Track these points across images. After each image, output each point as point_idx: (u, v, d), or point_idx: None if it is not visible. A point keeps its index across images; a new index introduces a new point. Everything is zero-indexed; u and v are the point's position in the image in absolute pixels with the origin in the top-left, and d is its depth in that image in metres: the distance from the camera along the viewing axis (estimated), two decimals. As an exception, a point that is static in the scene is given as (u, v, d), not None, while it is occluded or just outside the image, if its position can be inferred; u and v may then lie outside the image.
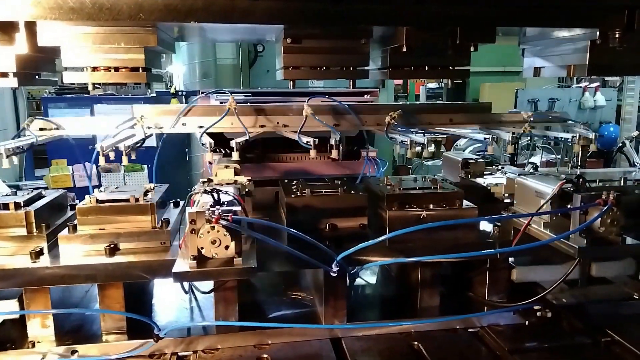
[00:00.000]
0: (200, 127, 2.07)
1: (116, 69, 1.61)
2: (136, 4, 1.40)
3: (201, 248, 1.26)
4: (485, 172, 2.21)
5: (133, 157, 1.83)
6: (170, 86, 6.86)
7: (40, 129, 2.04)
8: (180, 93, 5.75)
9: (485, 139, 2.03)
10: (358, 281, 2.08)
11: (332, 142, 1.88)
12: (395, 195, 1.80)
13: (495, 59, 8.28)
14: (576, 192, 1.50)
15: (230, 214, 1.27)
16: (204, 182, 1.98)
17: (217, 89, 2.38)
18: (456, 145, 6.67)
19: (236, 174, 1.99)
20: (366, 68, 1.78)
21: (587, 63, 1.78)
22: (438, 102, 11.72)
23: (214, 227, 1.25)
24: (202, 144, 1.93)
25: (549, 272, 1.82)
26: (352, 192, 1.82)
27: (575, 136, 2.05)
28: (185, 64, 6.66)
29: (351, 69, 1.74)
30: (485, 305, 1.84)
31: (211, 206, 1.36)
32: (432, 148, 1.83)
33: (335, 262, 1.50)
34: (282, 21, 1.53)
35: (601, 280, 1.91)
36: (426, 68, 1.75)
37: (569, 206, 1.56)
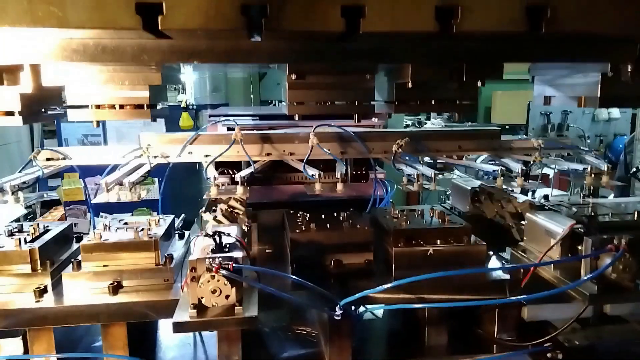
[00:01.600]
0: (207, 155, 2.08)
1: (121, 106, 1.61)
2: (139, 46, 1.39)
3: (201, 297, 1.24)
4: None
5: (138, 191, 1.83)
6: (182, 92, 6.84)
7: (48, 159, 2.07)
8: (190, 107, 5.77)
9: (494, 171, 1.97)
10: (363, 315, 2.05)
11: (338, 175, 1.86)
12: (402, 231, 1.77)
13: (507, 66, 8.17)
14: (587, 236, 1.46)
15: (231, 262, 1.25)
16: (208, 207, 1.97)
17: (225, 116, 2.37)
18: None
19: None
20: (372, 103, 1.75)
21: (599, 96, 1.74)
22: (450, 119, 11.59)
23: (214, 276, 1.23)
24: (207, 178, 1.92)
25: (560, 310, 1.77)
26: (358, 226, 1.80)
27: (587, 167, 2.00)
28: (195, 74, 6.68)
29: (356, 103, 1.72)
30: (494, 343, 1.79)
31: (212, 251, 1.35)
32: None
33: (338, 306, 1.47)
34: (286, 61, 1.51)
35: (616, 319, 1.85)
36: (432, 102, 1.72)
37: (579, 248, 1.52)
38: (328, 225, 1.80)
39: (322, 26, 1.19)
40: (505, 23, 1.25)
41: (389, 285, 1.50)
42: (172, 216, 1.97)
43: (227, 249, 1.37)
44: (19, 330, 1.61)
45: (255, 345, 1.79)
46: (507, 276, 1.71)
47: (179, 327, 1.25)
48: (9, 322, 1.54)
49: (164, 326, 1.94)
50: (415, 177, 1.82)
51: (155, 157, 2.06)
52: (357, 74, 1.67)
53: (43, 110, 1.78)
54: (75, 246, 1.89)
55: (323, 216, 1.90)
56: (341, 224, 1.81)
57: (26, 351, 1.60)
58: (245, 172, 1.88)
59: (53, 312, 1.54)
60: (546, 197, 2.21)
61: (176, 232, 2.02)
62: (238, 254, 1.32)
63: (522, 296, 1.57)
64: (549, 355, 1.68)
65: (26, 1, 1.10)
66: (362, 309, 1.68)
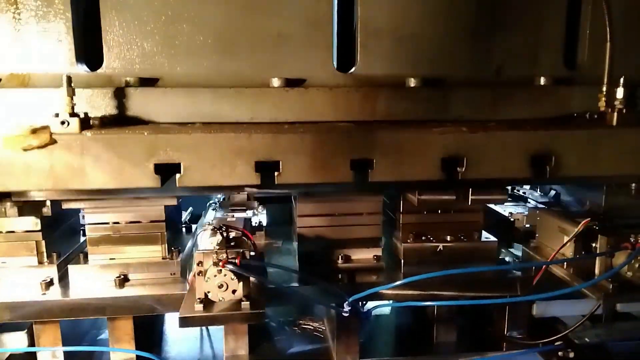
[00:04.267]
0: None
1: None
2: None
3: (208, 292, 1.22)
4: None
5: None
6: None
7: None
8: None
9: None
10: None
11: None
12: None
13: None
14: (601, 234, 1.42)
15: (238, 256, 1.23)
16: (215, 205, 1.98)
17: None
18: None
19: (248, 198, 1.98)
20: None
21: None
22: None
23: (221, 270, 1.22)
24: None
25: (570, 306, 1.74)
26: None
27: None
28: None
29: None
30: (504, 341, 1.76)
31: (219, 245, 1.33)
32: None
33: (347, 302, 1.45)
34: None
35: (626, 316, 1.82)
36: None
37: (593, 245, 1.49)
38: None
39: (332, 178, 1.25)
40: (510, 171, 1.29)
41: (398, 282, 1.48)
42: (180, 209, 1.96)
43: (233, 243, 1.35)
44: (24, 323, 1.61)
45: (262, 340, 1.77)
46: (518, 273, 1.69)
47: (185, 322, 1.23)
48: (16, 315, 1.53)
49: (171, 319, 1.94)
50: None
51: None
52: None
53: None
54: (82, 238, 1.88)
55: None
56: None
57: (32, 344, 1.59)
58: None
59: (59, 305, 1.53)
60: (557, 194, 2.18)
61: (183, 225, 2.01)
62: (245, 248, 1.30)
63: (534, 295, 1.54)
64: (560, 354, 1.65)
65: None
66: (370, 305, 1.65)
